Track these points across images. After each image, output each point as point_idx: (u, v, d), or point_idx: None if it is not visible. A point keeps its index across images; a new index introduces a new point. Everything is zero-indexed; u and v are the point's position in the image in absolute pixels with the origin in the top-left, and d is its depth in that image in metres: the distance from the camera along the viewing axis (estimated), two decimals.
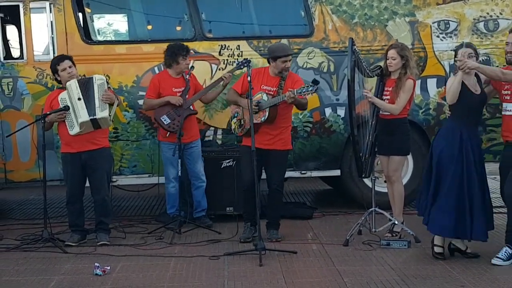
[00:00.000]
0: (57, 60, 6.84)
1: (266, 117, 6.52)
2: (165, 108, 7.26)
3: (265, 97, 6.54)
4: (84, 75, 7.09)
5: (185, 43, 7.43)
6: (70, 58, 6.84)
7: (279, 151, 6.65)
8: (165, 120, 7.25)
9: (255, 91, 6.50)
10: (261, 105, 6.50)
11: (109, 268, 5.86)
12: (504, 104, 6.08)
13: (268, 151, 6.56)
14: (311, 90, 6.36)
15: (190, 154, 7.43)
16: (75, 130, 6.61)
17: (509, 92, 6.02)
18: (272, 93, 6.57)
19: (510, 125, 6.02)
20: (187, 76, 7.25)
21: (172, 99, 7.20)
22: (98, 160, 6.73)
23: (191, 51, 7.47)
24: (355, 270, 5.61)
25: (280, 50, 6.67)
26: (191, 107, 7.35)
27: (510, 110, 6.01)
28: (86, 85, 6.72)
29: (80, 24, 7.83)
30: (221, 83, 7.34)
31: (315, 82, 6.49)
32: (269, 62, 6.72)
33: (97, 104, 6.65)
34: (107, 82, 6.91)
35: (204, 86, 7.56)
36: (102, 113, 6.66)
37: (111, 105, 6.75)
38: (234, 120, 6.82)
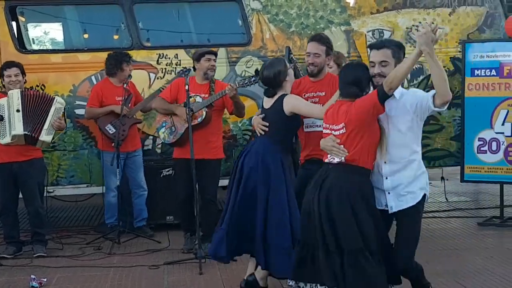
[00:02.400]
0: (5, 65, 6.74)
1: (204, 117, 6.35)
2: (109, 117, 7.18)
3: (199, 99, 6.42)
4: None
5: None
6: (18, 65, 6.70)
7: (212, 161, 6.48)
8: (110, 129, 7.16)
9: (185, 97, 6.41)
10: (197, 105, 6.34)
11: (45, 280, 5.76)
12: (307, 120, 5.25)
13: (201, 161, 6.26)
14: (253, 80, 6.22)
15: (132, 162, 7.40)
16: (6, 140, 6.49)
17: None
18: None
19: (313, 143, 5.07)
20: (125, 85, 7.15)
21: (117, 108, 7.11)
22: (29, 171, 6.61)
23: None
24: None
25: (203, 50, 6.66)
26: (135, 115, 7.30)
27: (318, 125, 5.02)
28: (43, 101, 6.63)
29: (14, 33, 7.69)
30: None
31: (256, 72, 6.41)
32: (194, 70, 6.66)
33: (46, 126, 6.58)
34: (64, 108, 6.83)
35: (143, 96, 7.50)
36: (46, 137, 6.61)
37: (58, 130, 6.74)
38: (162, 129, 6.61)
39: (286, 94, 5.03)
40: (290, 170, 5.18)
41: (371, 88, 4.28)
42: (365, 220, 4.11)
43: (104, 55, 7.62)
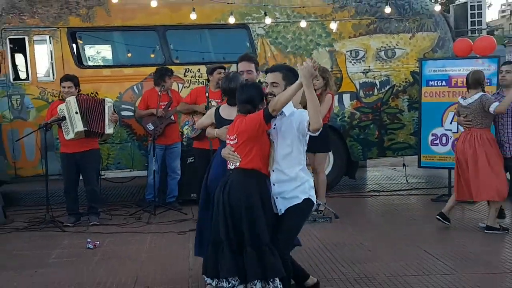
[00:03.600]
0: (63, 78, 6.73)
1: None
2: (151, 117, 7.18)
3: (214, 103, 6.37)
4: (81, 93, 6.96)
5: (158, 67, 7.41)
6: (72, 79, 6.66)
7: None
8: (149, 126, 7.19)
9: (202, 101, 6.40)
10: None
11: (98, 242, 5.79)
12: None
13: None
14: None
15: (171, 153, 7.37)
16: (70, 136, 6.49)
17: None
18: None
19: None
20: (159, 93, 7.10)
21: (156, 112, 7.11)
22: (89, 159, 6.62)
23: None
24: None
25: (215, 65, 6.69)
26: (172, 117, 7.26)
27: None
28: (97, 103, 6.64)
29: (74, 52, 7.68)
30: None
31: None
32: (209, 80, 6.69)
33: (107, 122, 6.60)
34: (113, 105, 6.84)
35: None
36: (109, 130, 6.64)
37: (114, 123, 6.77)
38: (186, 127, 6.69)
39: None
40: None
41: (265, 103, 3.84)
42: (259, 216, 3.67)
43: (143, 69, 7.65)
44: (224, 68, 6.71)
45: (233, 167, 3.80)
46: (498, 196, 5.82)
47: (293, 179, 3.75)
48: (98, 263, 5.21)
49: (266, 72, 3.92)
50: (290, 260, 3.90)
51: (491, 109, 5.71)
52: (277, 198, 3.79)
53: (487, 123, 5.88)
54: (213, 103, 6.40)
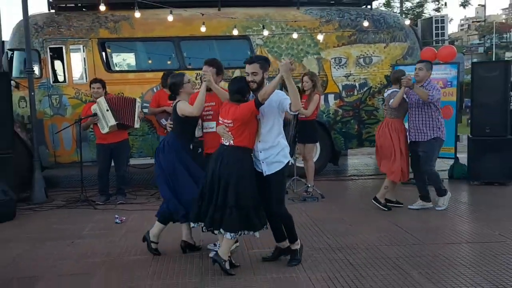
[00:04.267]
0: (93, 80, 6.77)
1: None
2: (163, 114, 7.16)
3: None
4: (108, 93, 6.97)
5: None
6: (100, 81, 6.70)
7: None
8: (163, 121, 7.17)
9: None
10: None
11: (124, 218, 5.83)
12: (205, 123, 4.50)
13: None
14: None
15: None
16: (105, 130, 6.52)
17: (210, 112, 4.48)
18: None
19: (210, 141, 4.45)
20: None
21: (168, 109, 7.09)
22: (121, 148, 6.67)
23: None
24: None
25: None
26: None
27: (211, 128, 4.42)
28: (128, 101, 6.66)
29: (104, 59, 7.69)
30: None
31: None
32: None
33: (136, 119, 6.63)
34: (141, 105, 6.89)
35: None
36: (137, 124, 6.70)
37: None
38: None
39: (179, 101, 4.36)
40: (189, 152, 4.51)
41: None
42: (248, 183, 3.89)
43: (161, 74, 7.63)
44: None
45: (227, 143, 3.95)
46: (393, 177, 5.87)
47: (275, 146, 3.93)
48: (124, 235, 5.25)
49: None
50: (286, 214, 4.08)
51: (390, 103, 5.84)
52: (263, 162, 3.95)
53: (396, 114, 5.91)
54: None
